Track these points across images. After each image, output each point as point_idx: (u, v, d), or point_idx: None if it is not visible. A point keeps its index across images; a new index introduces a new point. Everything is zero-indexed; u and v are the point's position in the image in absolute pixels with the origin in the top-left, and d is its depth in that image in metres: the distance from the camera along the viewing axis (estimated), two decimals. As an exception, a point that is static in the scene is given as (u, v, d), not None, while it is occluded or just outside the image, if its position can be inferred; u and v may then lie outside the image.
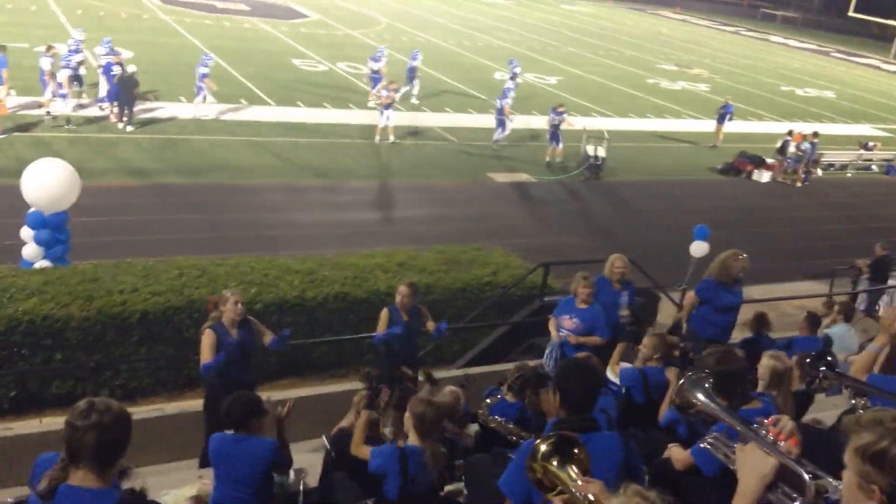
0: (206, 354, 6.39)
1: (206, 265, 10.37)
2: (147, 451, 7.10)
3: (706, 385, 2.74)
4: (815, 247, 18.16)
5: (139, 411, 7.94)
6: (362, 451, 4.91)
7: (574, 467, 2.49)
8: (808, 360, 5.23)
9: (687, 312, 8.38)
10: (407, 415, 4.80)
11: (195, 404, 7.88)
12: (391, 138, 21.69)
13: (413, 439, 4.70)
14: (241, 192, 17.25)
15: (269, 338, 6.87)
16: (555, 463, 2.51)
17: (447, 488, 5.26)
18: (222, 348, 6.39)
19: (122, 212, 14.98)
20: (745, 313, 11.31)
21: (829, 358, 4.98)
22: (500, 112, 22.61)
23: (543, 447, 2.56)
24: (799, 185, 24.42)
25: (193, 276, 9.85)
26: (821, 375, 4.96)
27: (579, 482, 2.32)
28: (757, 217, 20.35)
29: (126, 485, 4.89)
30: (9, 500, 5.88)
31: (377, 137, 21.64)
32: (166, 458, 7.21)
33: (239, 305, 6.52)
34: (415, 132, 23.27)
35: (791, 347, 7.70)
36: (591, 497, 2.22)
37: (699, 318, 8.23)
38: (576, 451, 2.56)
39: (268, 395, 6.02)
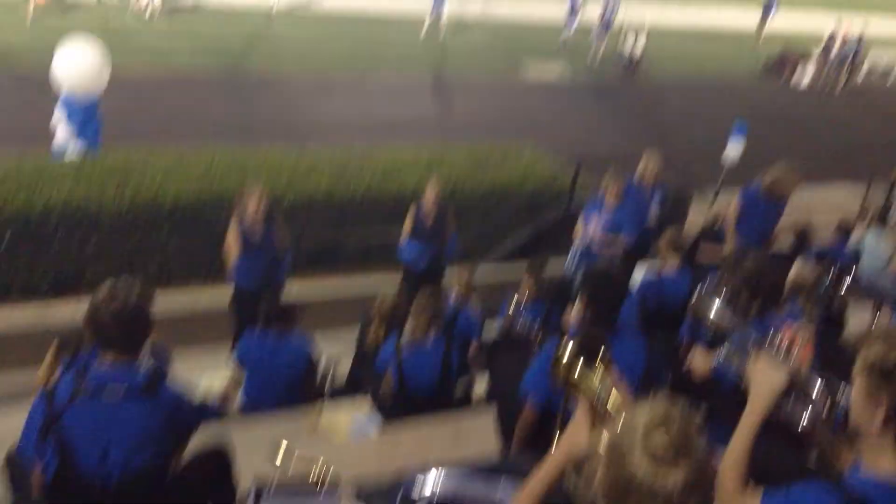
0: (232, 249, 6.37)
1: (236, 155, 10.38)
2: (181, 337, 7.32)
3: (722, 297, 2.75)
4: (852, 153, 17.70)
5: (173, 299, 8.14)
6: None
7: (598, 370, 2.52)
8: (831, 272, 5.21)
9: (733, 220, 7.72)
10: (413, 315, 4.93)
11: (225, 293, 8.05)
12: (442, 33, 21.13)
13: (416, 335, 4.82)
14: (271, 81, 17.05)
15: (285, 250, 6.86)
16: (579, 364, 2.54)
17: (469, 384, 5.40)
18: (245, 246, 6.38)
19: (152, 99, 14.91)
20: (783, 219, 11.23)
21: (853, 270, 4.96)
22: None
23: (568, 348, 2.60)
24: (840, 88, 23.60)
25: (223, 167, 9.88)
26: (843, 289, 4.96)
27: (606, 384, 2.35)
28: (795, 119, 19.82)
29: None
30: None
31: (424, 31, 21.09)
32: (200, 344, 7.42)
33: (260, 208, 6.46)
34: (451, 23, 22.66)
35: (822, 255, 7.65)
36: (616, 399, 2.26)
37: (738, 225, 7.75)
38: (599, 353, 2.59)
39: (297, 289, 6.08)
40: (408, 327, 4.89)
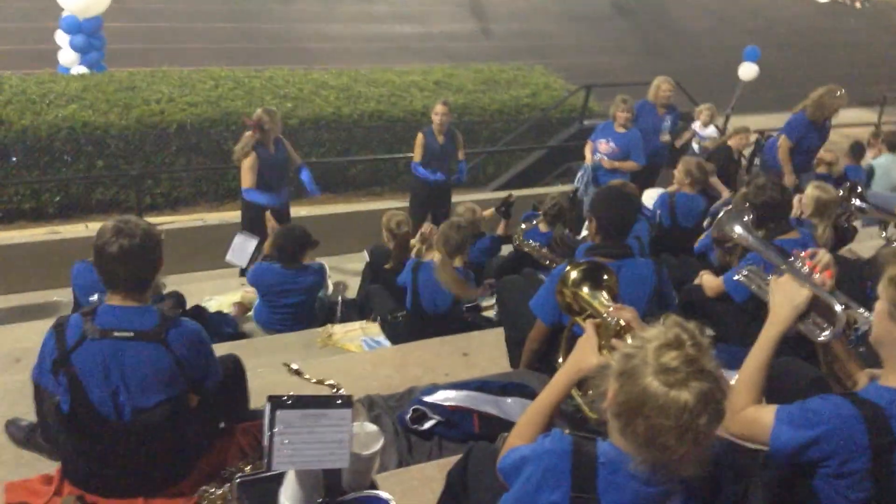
0: (248, 177, 6.30)
1: (241, 77, 10.28)
2: (190, 260, 7.38)
3: (745, 218, 2.73)
4: (867, 72, 17.37)
5: (181, 220, 8.18)
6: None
7: (605, 293, 2.54)
8: (840, 192, 5.18)
9: (786, 154, 7.35)
10: (437, 235, 4.93)
11: (235, 215, 8.05)
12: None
13: (437, 257, 4.83)
14: (275, 1, 16.70)
15: (297, 165, 6.83)
16: (585, 289, 2.56)
17: (482, 304, 5.46)
18: (264, 169, 6.32)
19: (156, 18, 14.65)
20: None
21: (860, 189, 4.92)
22: None
23: (574, 273, 2.61)
24: (858, 5, 23.00)
25: (229, 88, 9.79)
26: (854, 208, 4.92)
27: (612, 308, 2.37)
28: (811, 39, 19.37)
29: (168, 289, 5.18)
30: (55, 298, 6.23)
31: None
32: (209, 266, 7.47)
33: (278, 124, 6.40)
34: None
35: (841, 176, 7.61)
36: (622, 323, 2.28)
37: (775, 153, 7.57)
38: (605, 277, 2.60)
39: (305, 212, 6.10)
40: (432, 254, 4.88)
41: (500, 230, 6.28)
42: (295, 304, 5.18)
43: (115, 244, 2.63)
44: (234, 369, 3.22)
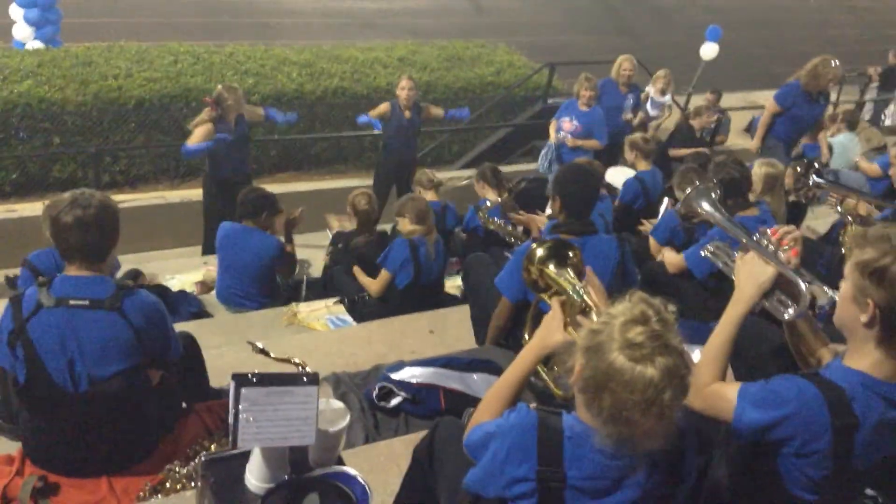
0: (194, 137, 6.16)
1: (201, 52, 10.08)
2: (151, 238, 7.27)
3: (713, 195, 2.76)
4: (826, 51, 17.51)
5: (141, 198, 8.04)
6: (380, 282, 4.93)
7: (570, 271, 2.56)
8: (798, 168, 5.27)
9: (767, 120, 7.23)
10: (406, 211, 4.93)
11: (197, 193, 7.93)
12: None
13: (410, 228, 4.86)
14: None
15: (262, 112, 6.79)
16: (551, 266, 2.57)
17: (447, 283, 5.46)
18: (219, 143, 6.22)
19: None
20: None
21: (817, 165, 5.01)
22: None
23: (540, 251, 2.62)
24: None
25: (188, 64, 9.61)
26: (811, 184, 5.01)
27: (578, 285, 2.39)
28: (773, 18, 19.60)
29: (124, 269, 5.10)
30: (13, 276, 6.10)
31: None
32: (171, 245, 7.38)
33: (241, 100, 6.31)
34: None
35: (799, 154, 7.73)
36: (588, 300, 2.30)
37: (776, 126, 7.32)
38: (571, 255, 2.62)
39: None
40: (413, 228, 4.89)
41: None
42: (248, 265, 5.12)
43: (70, 213, 2.63)
44: (190, 346, 3.20)
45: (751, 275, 2.27)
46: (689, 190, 2.83)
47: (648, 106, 8.75)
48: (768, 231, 2.33)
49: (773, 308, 2.24)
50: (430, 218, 4.99)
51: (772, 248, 2.28)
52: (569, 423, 1.81)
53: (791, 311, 2.21)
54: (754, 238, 2.36)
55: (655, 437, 1.69)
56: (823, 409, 1.91)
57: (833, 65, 7.11)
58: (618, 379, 1.64)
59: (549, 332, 2.22)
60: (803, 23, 19.85)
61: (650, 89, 8.81)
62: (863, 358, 1.96)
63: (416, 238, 4.85)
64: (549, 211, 5.13)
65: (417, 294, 4.86)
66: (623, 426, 1.67)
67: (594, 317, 2.23)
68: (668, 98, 9.02)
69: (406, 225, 4.95)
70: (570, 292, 2.36)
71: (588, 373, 1.71)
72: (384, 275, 4.90)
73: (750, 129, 8.45)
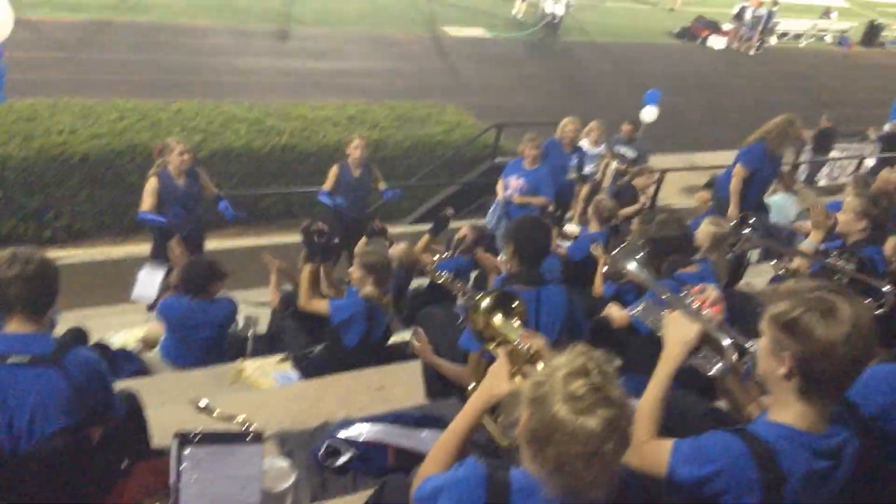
0: (147, 201, 6.20)
1: (148, 109, 10.05)
2: (94, 293, 7.12)
3: (639, 255, 2.83)
4: (762, 116, 18.13)
5: (84, 254, 7.90)
6: (315, 304, 4.92)
7: (516, 320, 2.59)
8: (732, 223, 5.44)
9: (739, 185, 6.95)
10: (360, 266, 4.88)
11: (140, 248, 7.84)
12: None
13: (370, 289, 4.80)
14: (183, 33, 16.47)
15: (215, 195, 6.75)
16: (497, 316, 2.60)
17: (394, 337, 5.44)
18: (167, 197, 6.23)
19: (58, 48, 14.23)
20: (691, 180, 11.58)
21: (752, 221, 5.18)
22: None
23: (485, 301, 2.65)
24: (752, 52, 24.37)
25: (135, 120, 9.56)
26: (743, 238, 5.17)
27: (522, 335, 2.42)
28: (709, 84, 20.37)
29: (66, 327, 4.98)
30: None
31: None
32: (114, 301, 7.22)
33: (185, 156, 6.31)
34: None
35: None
36: (532, 350, 2.33)
37: (746, 189, 7.09)
38: (515, 305, 2.66)
39: (216, 245, 6.01)
40: (373, 287, 4.82)
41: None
42: (205, 338, 5.06)
43: (10, 270, 2.64)
44: (132, 405, 3.14)
45: (677, 332, 2.33)
46: (615, 251, 2.90)
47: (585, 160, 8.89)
48: (694, 289, 2.41)
49: (700, 364, 2.30)
50: (389, 283, 4.96)
51: (696, 305, 2.35)
52: (516, 476, 1.82)
53: (717, 366, 2.26)
54: (679, 297, 2.42)
55: (600, 489, 1.70)
56: (751, 464, 1.94)
57: (797, 124, 7.03)
58: (561, 431, 1.65)
59: (496, 381, 2.24)
60: (737, 87, 20.68)
61: (584, 143, 8.93)
62: (786, 411, 2.00)
63: (373, 299, 4.79)
64: (501, 261, 5.19)
65: (366, 352, 4.82)
66: (567, 478, 1.68)
67: (539, 367, 2.27)
68: (602, 148, 9.26)
69: (365, 284, 4.85)
70: (516, 342, 2.39)
71: (532, 425, 1.72)
72: (323, 306, 4.77)
73: (714, 187, 8.53)
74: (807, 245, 5.19)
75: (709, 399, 3.62)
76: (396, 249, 6.11)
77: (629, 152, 9.74)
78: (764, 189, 7.35)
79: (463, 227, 6.28)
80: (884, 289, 3.85)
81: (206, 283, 5.07)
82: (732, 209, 6.90)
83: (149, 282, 6.03)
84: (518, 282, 3.59)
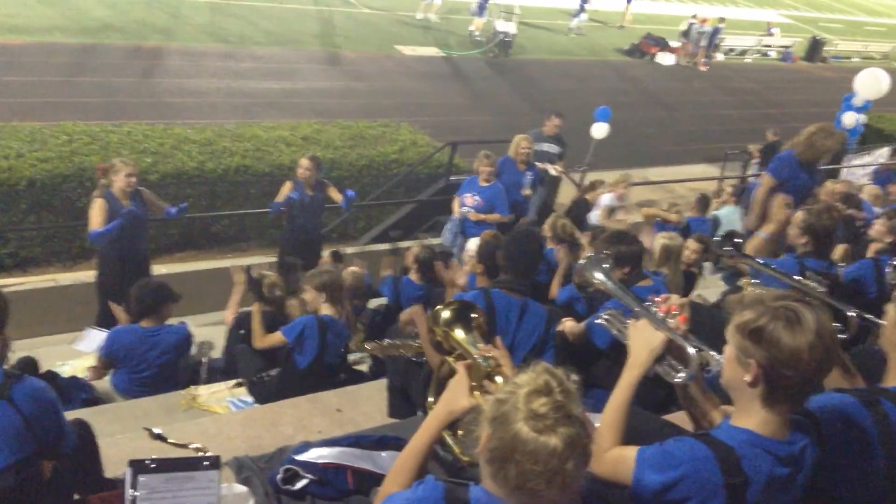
0: (95, 222, 6.06)
1: (97, 132, 9.88)
2: (42, 322, 6.96)
3: (605, 265, 2.87)
4: (710, 130, 18.72)
5: (32, 281, 7.71)
6: (269, 339, 4.91)
7: (476, 333, 2.58)
8: (715, 239, 5.51)
9: (763, 195, 6.56)
10: (312, 288, 4.86)
11: (90, 274, 7.67)
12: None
13: (325, 308, 4.79)
14: (133, 55, 16.28)
15: (164, 208, 6.64)
16: (457, 330, 2.58)
17: (351, 358, 5.40)
18: (114, 218, 6.10)
19: (4, 71, 13.94)
20: (643, 194, 11.74)
21: (736, 239, 5.27)
22: None
23: (445, 313, 2.63)
24: (702, 68, 24.93)
25: (83, 143, 9.39)
26: (727, 255, 5.26)
27: (481, 349, 2.41)
28: (658, 100, 20.76)
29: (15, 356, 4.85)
30: None
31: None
32: (63, 329, 7.05)
33: (132, 178, 6.20)
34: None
35: (685, 227, 8.08)
36: (493, 364, 2.32)
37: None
38: (475, 316, 2.64)
39: (166, 270, 5.92)
40: (328, 305, 4.81)
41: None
42: (159, 364, 4.96)
43: None
44: (83, 434, 3.06)
45: (642, 340, 2.35)
46: (582, 261, 2.93)
47: None
48: (657, 299, 2.43)
49: (665, 372, 2.33)
50: (344, 300, 4.93)
51: (661, 315, 2.38)
52: (475, 494, 1.81)
53: (681, 374, 2.29)
54: (645, 306, 2.45)
55: None
56: (715, 468, 1.97)
57: (833, 133, 6.48)
58: (522, 449, 1.65)
59: (455, 396, 2.23)
60: (688, 103, 21.11)
61: (607, 198, 9.12)
62: (749, 417, 2.04)
63: (325, 317, 4.77)
64: (466, 268, 5.19)
65: (321, 373, 4.77)
66: (528, 497, 1.68)
67: (499, 381, 2.26)
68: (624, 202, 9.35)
69: (319, 305, 4.84)
70: (476, 356, 2.38)
71: (494, 443, 1.71)
72: (277, 336, 4.80)
73: (742, 194, 8.39)
74: (762, 236, 5.23)
75: (661, 413, 3.67)
76: (347, 272, 6.09)
77: (552, 149, 9.68)
78: (798, 199, 6.54)
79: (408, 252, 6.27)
80: (849, 314, 3.92)
81: (157, 305, 4.98)
82: (751, 218, 6.68)
83: (92, 338, 5.97)
84: (507, 288, 3.61)
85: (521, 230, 4.56)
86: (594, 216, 9.01)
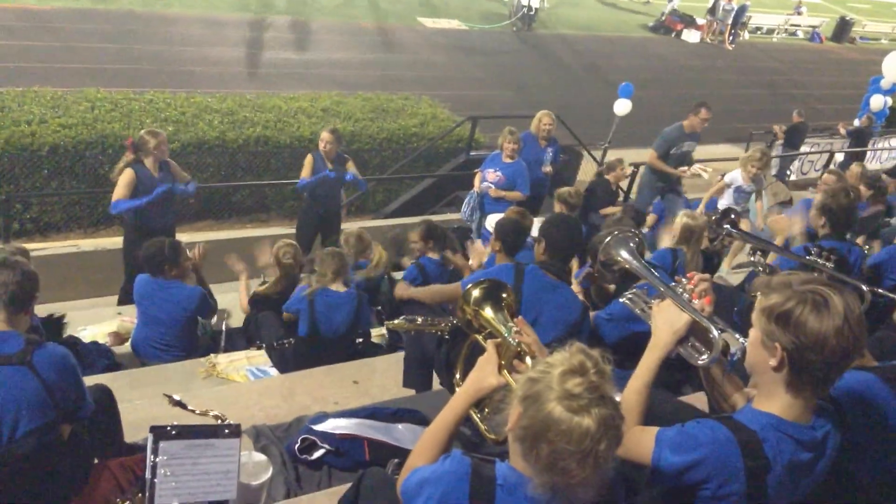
0: (121, 193, 6.08)
1: (119, 99, 9.91)
2: (65, 288, 7.01)
3: (631, 243, 2.83)
4: (735, 110, 18.48)
5: (54, 247, 7.77)
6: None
7: (506, 312, 2.57)
8: (713, 217, 5.48)
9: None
10: (319, 264, 4.95)
11: (111, 241, 7.73)
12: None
13: (329, 283, 4.85)
14: (156, 22, 16.26)
15: (187, 179, 6.63)
16: (487, 308, 2.57)
17: (373, 332, 5.42)
18: (143, 190, 6.11)
19: (28, 37, 13.98)
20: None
21: (733, 216, 5.22)
22: None
23: (476, 291, 2.62)
24: (728, 47, 24.59)
25: (106, 110, 9.41)
26: (724, 233, 5.22)
27: (514, 328, 2.40)
28: (682, 78, 20.49)
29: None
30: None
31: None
32: (84, 295, 7.12)
33: (162, 146, 6.19)
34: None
35: (705, 207, 8.00)
36: (524, 345, 2.31)
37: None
38: (505, 296, 2.63)
39: (187, 239, 5.95)
40: (316, 278, 4.89)
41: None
42: (166, 320, 4.99)
43: None
44: (104, 400, 3.09)
45: (666, 322, 2.33)
46: (607, 238, 2.89)
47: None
48: (683, 279, 2.40)
49: (688, 354, 2.30)
50: (340, 270, 4.97)
51: (686, 296, 2.35)
52: (502, 471, 1.81)
53: (704, 357, 2.27)
54: (671, 285, 2.43)
55: (590, 487, 1.70)
56: (736, 451, 1.96)
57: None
58: (555, 429, 1.65)
59: (484, 375, 2.22)
60: (712, 81, 20.84)
61: (735, 175, 7.66)
62: (773, 401, 2.02)
63: (317, 290, 4.83)
64: (488, 249, 5.17)
65: (312, 349, 4.81)
66: (559, 476, 1.68)
67: (528, 361, 2.26)
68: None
69: (325, 279, 4.94)
70: (506, 335, 2.37)
71: (525, 422, 1.71)
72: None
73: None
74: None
75: (675, 394, 3.67)
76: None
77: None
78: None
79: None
80: (863, 288, 3.87)
81: (160, 264, 5.01)
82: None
83: None
84: (549, 270, 3.66)
85: (560, 216, 4.56)
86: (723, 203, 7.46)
